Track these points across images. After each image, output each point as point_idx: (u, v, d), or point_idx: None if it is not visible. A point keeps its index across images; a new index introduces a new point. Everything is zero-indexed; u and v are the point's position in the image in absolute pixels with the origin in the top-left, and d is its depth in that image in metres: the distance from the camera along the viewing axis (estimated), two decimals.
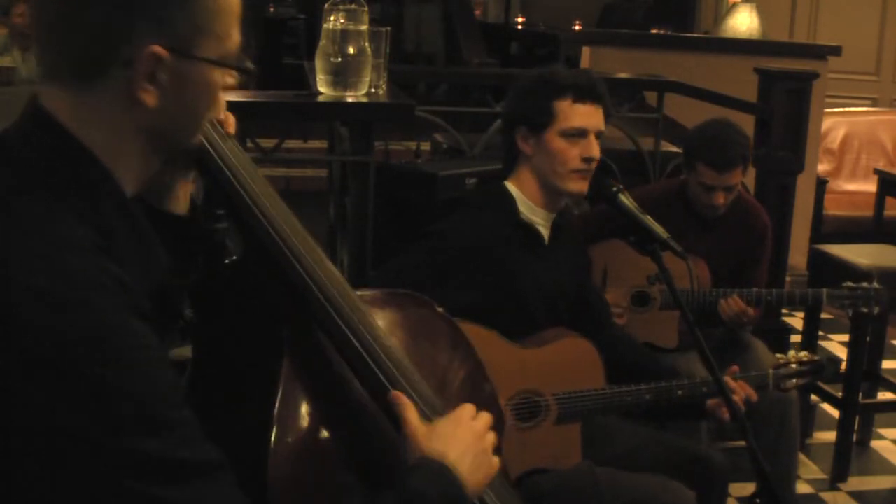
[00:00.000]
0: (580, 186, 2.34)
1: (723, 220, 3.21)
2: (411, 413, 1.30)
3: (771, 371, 2.51)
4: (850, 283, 3.09)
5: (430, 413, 1.35)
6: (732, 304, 3.07)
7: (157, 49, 1.09)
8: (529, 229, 2.39)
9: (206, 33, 1.14)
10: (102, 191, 1.11)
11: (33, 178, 1.08)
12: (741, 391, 2.33)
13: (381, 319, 1.38)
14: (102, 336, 1.02)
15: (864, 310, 3.10)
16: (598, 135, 2.35)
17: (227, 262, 1.40)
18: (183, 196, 1.32)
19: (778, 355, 2.62)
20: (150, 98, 1.11)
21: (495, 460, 1.35)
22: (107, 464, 1.01)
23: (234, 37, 1.18)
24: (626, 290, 3.15)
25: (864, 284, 3.09)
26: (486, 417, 1.36)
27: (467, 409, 1.36)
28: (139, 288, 1.09)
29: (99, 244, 1.07)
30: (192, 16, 1.12)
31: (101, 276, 1.04)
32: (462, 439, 1.30)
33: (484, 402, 1.53)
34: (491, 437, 1.35)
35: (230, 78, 1.20)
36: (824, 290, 3.09)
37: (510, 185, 2.41)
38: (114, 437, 1.01)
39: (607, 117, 2.39)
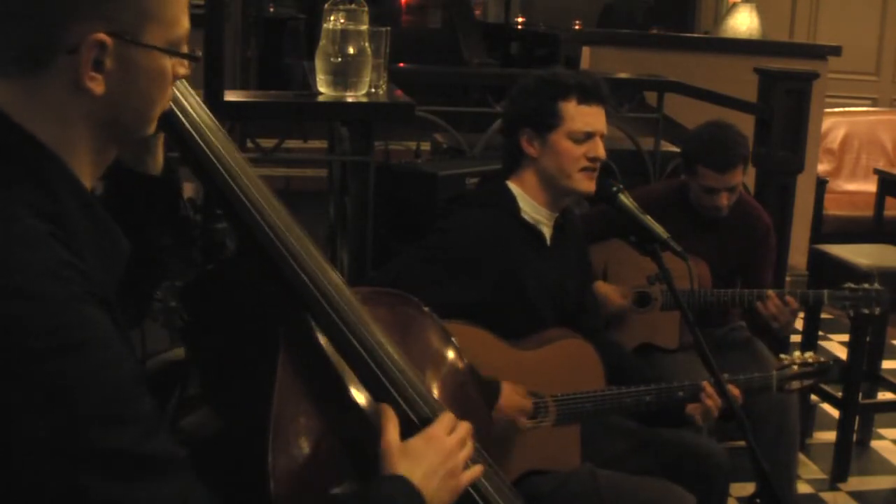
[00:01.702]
0: (588, 186, 2.34)
1: (723, 221, 3.21)
2: (391, 427, 1.31)
3: (774, 373, 2.50)
4: (851, 285, 3.09)
5: (428, 412, 1.36)
6: (774, 303, 3.04)
7: (102, 35, 1.08)
8: (532, 228, 2.39)
9: (153, 19, 1.12)
10: (57, 181, 1.10)
11: None
12: (716, 398, 2.32)
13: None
14: (58, 326, 1.00)
15: (866, 311, 3.10)
16: (603, 136, 2.36)
17: (219, 259, 1.40)
18: (159, 155, 1.32)
19: (782, 356, 2.62)
20: (96, 86, 1.10)
21: (466, 476, 1.36)
22: (63, 459, 1.00)
23: (184, 23, 1.16)
24: (627, 290, 3.15)
25: (866, 286, 3.09)
26: (462, 431, 1.37)
27: (444, 421, 1.36)
28: (99, 277, 1.08)
29: (55, 234, 1.05)
30: (138, 2, 1.10)
31: (56, 267, 1.03)
32: (431, 459, 1.31)
33: (469, 403, 1.54)
34: (464, 453, 1.36)
35: (181, 67, 1.19)
36: (825, 291, 3.09)
37: (512, 185, 2.41)
38: (71, 431, 1.00)
39: (608, 117, 2.39)
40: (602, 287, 3.12)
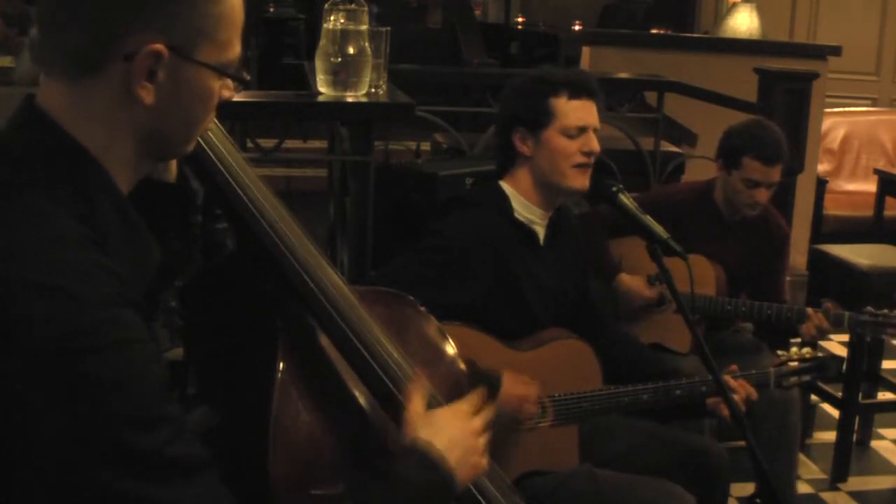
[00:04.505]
0: (582, 182, 2.34)
1: (745, 227, 3.20)
2: (417, 397, 1.33)
3: (772, 369, 2.50)
4: (871, 309, 3.04)
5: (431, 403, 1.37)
6: (817, 321, 3.02)
7: (159, 46, 1.10)
8: (525, 228, 2.39)
9: (209, 38, 1.14)
10: (96, 187, 1.11)
11: (27, 175, 1.08)
12: (742, 390, 2.33)
13: None
14: (91, 326, 1.02)
15: (884, 337, 3.07)
16: (596, 130, 2.36)
17: (218, 258, 1.41)
18: (172, 163, 1.33)
19: (780, 352, 2.61)
20: (146, 95, 1.11)
21: (484, 461, 1.37)
22: (95, 459, 1.00)
23: (236, 47, 1.18)
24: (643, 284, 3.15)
25: (885, 311, 3.05)
26: (483, 417, 1.39)
27: (466, 404, 1.38)
28: (131, 282, 1.09)
29: (92, 238, 1.07)
30: (196, 19, 1.12)
31: (93, 269, 1.04)
32: (454, 431, 1.33)
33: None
34: (483, 439, 1.37)
35: (227, 90, 1.21)
36: (846, 314, 3.06)
37: (505, 185, 2.41)
38: (103, 431, 1.01)
39: (601, 112, 2.39)
40: (627, 281, 3.12)
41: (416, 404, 1.32)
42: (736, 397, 2.29)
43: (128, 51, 1.09)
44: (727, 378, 2.31)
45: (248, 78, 1.25)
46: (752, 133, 3.11)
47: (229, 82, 1.20)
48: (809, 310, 3.04)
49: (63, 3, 1.10)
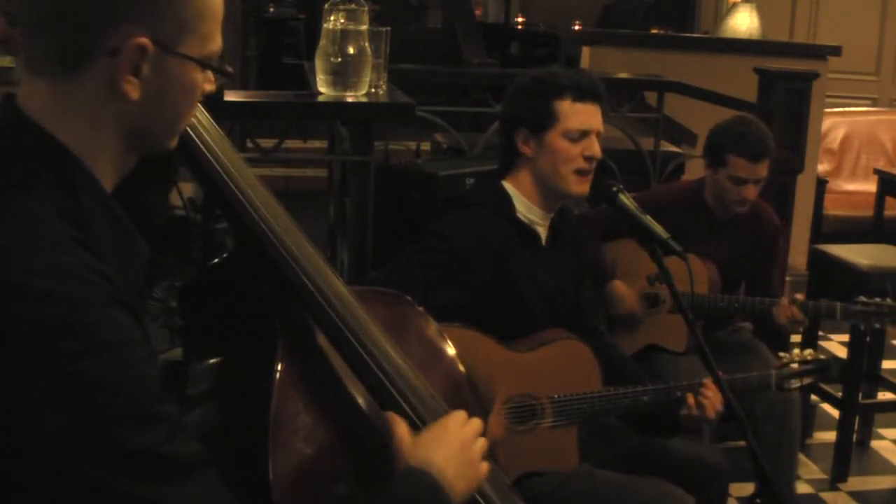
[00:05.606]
0: (582, 189, 2.33)
1: (736, 223, 3.20)
2: (400, 427, 1.32)
3: (774, 371, 2.50)
4: (863, 299, 3.04)
5: (427, 414, 1.37)
6: (785, 310, 3.04)
7: (143, 40, 1.09)
8: (526, 229, 2.38)
9: (192, 32, 1.14)
10: (79, 186, 1.11)
11: (13, 176, 1.08)
12: (713, 398, 2.31)
13: None
14: (84, 328, 1.01)
15: (877, 326, 3.07)
16: (599, 134, 2.35)
17: (218, 259, 1.41)
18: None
19: (781, 354, 2.61)
20: (132, 90, 1.11)
21: (483, 467, 1.36)
22: (91, 460, 1.00)
23: (218, 41, 1.18)
24: (638, 289, 3.15)
25: (878, 300, 3.05)
26: (475, 424, 1.38)
27: (457, 415, 1.37)
28: (121, 281, 1.09)
29: (78, 238, 1.06)
30: (179, 12, 1.12)
31: (82, 270, 1.04)
32: (447, 447, 1.32)
33: (465, 402, 1.54)
34: (480, 444, 1.36)
35: (209, 84, 1.21)
36: (838, 305, 3.06)
37: (507, 185, 2.40)
38: (99, 432, 1.01)
39: (605, 116, 2.39)
40: (619, 287, 3.12)
41: (401, 431, 1.31)
42: (705, 401, 2.29)
43: (112, 45, 1.09)
44: (706, 381, 2.30)
45: (232, 71, 1.24)
46: (736, 130, 3.11)
47: (211, 75, 1.20)
48: (785, 299, 3.04)
49: (53, 1, 1.09)
